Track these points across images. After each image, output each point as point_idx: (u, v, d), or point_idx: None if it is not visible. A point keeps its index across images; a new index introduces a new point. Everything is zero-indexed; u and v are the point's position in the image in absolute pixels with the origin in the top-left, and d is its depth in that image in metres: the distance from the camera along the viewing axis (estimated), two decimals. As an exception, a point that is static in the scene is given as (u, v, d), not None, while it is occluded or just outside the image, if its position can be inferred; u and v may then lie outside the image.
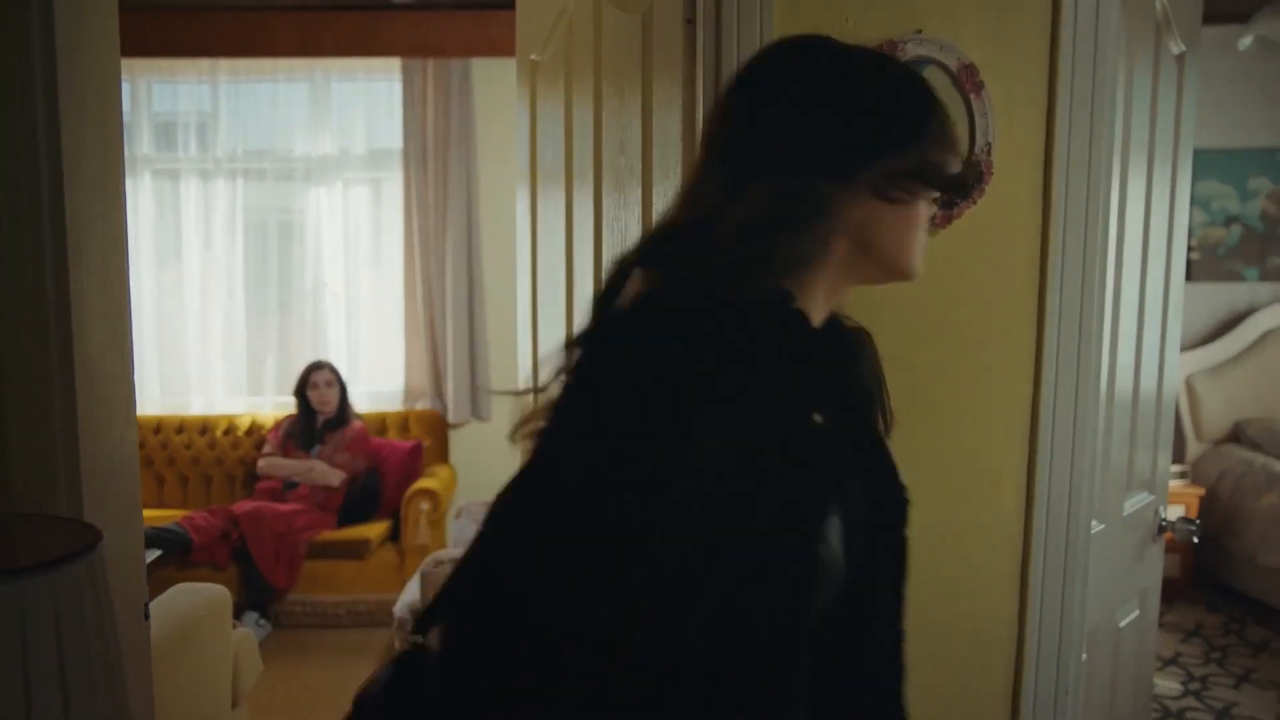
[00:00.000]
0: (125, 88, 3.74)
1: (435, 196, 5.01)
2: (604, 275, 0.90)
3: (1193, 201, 4.73)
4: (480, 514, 4.03)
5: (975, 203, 1.45)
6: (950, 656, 1.53)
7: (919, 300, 1.44)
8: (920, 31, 1.41)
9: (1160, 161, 1.90)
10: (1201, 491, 4.51)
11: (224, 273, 5.12)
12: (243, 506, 4.40)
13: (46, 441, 1.39)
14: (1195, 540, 2.05)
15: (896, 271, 0.96)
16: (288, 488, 4.58)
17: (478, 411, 5.13)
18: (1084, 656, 1.60)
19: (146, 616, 1.58)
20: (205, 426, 4.99)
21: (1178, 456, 4.83)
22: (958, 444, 1.49)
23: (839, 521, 0.87)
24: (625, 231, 1.69)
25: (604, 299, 0.89)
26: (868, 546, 0.90)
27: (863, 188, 0.90)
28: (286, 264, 5.18)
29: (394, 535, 4.67)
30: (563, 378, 0.86)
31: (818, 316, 0.94)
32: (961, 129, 1.44)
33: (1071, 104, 1.44)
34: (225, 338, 5.15)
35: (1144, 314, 1.90)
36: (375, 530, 4.56)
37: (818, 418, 0.86)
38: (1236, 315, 5.01)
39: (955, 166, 0.96)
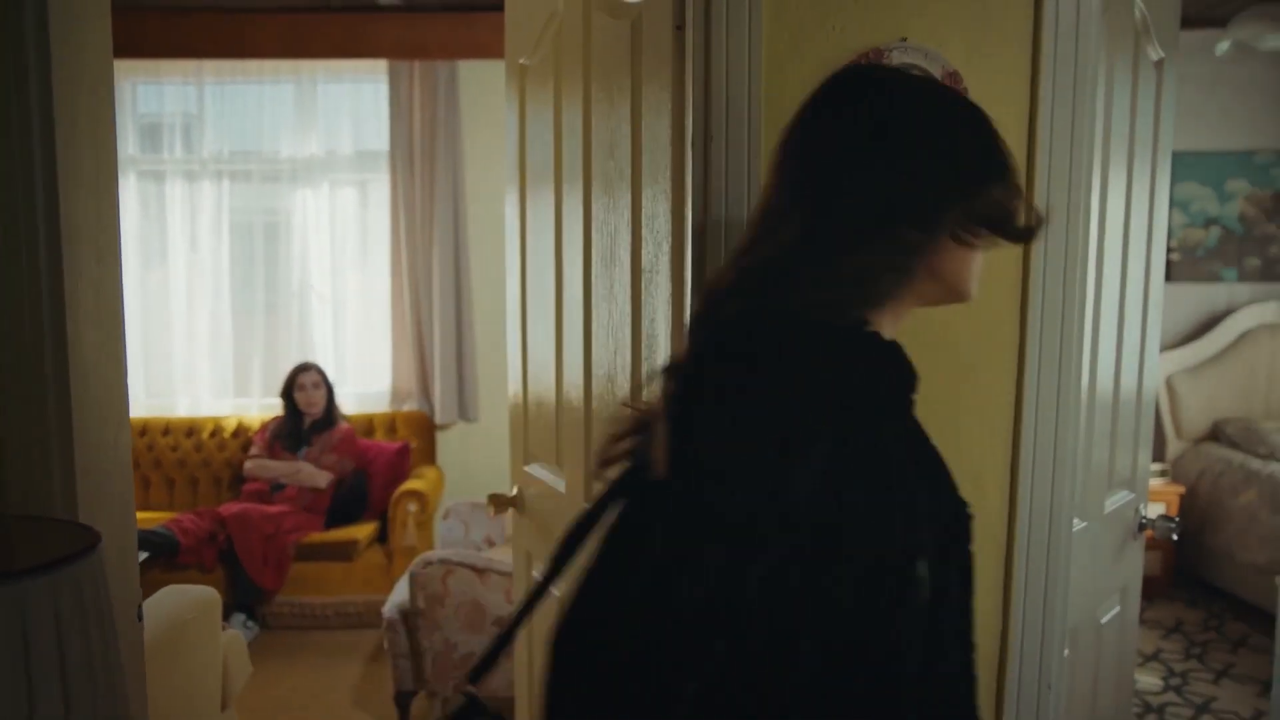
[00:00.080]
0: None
1: (422, 198, 5.01)
2: (697, 302, 0.97)
3: (1172, 203, 4.79)
4: (468, 515, 4.03)
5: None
6: (936, 652, 1.55)
7: (904, 302, 1.47)
8: (905, 39, 1.44)
9: (1140, 165, 1.93)
10: (1181, 489, 4.57)
11: (210, 274, 5.11)
12: (230, 508, 4.40)
13: (42, 444, 1.40)
14: (1174, 537, 2.08)
15: (957, 295, 1.03)
16: (275, 489, 4.57)
17: (465, 413, 5.14)
18: (1066, 652, 1.63)
19: (140, 618, 1.58)
20: (191, 428, 4.98)
21: (1158, 455, 4.90)
22: (941, 443, 1.51)
23: (929, 543, 0.93)
24: (614, 234, 1.71)
25: (700, 325, 0.97)
26: (941, 566, 0.94)
27: (943, 233, 0.96)
28: (273, 265, 5.18)
29: (381, 537, 4.68)
30: (660, 402, 0.93)
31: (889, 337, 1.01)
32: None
33: (1053, 109, 1.47)
34: (211, 339, 5.14)
35: (1124, 314, 1.93)
36: (363, 532, 4.56)
37: (903, 441, 0.94)
38: (1215, 315, 5.08)
39: (1019, 202, 1.01)
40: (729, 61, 1.42)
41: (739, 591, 0.84)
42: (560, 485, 1.99)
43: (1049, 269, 1.48)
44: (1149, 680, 3.70)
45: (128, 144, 5.00)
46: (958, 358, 1.50)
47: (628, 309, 1.66)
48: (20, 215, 1.40)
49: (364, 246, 5.19)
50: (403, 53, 4.89)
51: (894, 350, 0.96)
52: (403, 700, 3.32)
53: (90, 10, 1.53)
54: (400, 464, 4.77)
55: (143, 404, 5.08)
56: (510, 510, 2.25)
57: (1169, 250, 4.99)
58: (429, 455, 5.09)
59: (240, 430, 4.96)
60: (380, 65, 4.98)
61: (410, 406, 5.14)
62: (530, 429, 2.19)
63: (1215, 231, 5.05)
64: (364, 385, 5.23)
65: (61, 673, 0.99)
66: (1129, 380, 1.98)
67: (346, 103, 5.14)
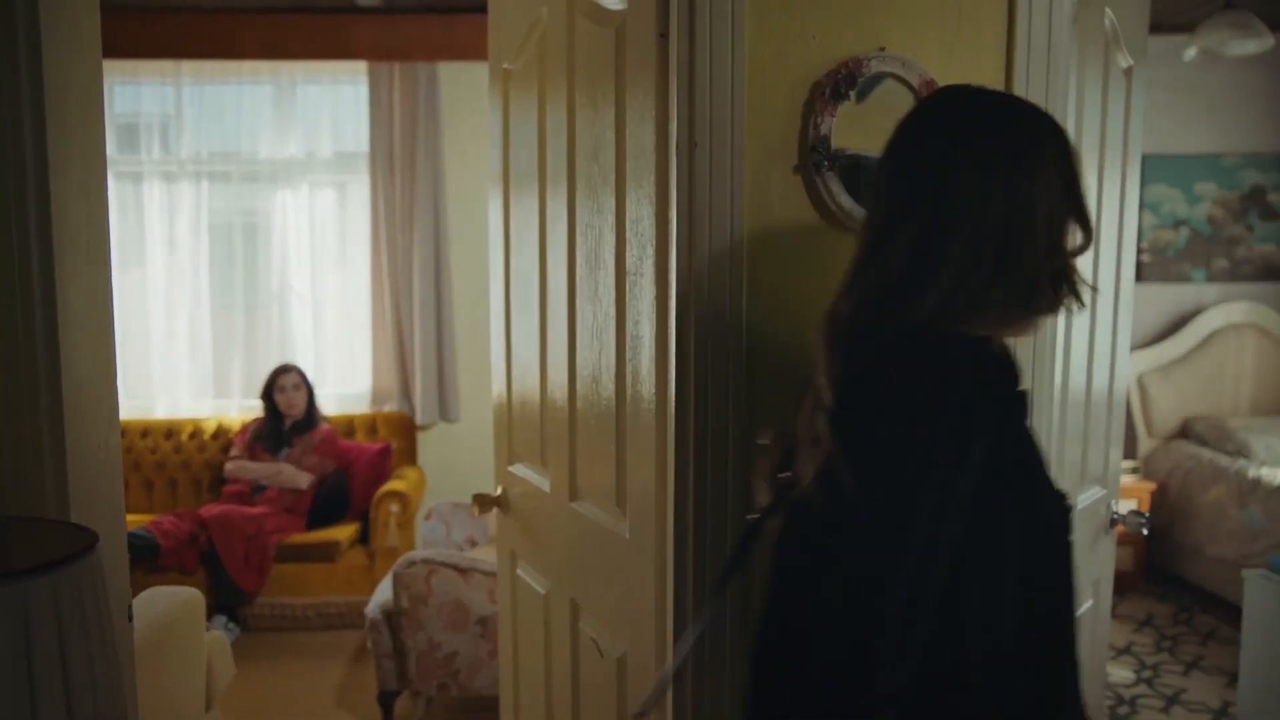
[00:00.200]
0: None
1: (402, 199, 5.02)
2: (844, 323, 1.08)
3: (1142, 205, 4.87)
4: (450, 515, 4.04)
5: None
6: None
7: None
8: (883, 49, 1.48)
9: (1110, 168, 1.98)
10: (1152, 486, 4.66)
11: (189, 276, 5.09)
12: (211, 510, 4.39)
13: (34, 445, 1.41)
14: (1145, 533, 2.14)
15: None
16: (256, 491, 4.57)
17: (446, 413, 5.14)
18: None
19: (130, 618, 1.60)
20: (170, 430, 4.96)
21: (1129, 452, 4.98)
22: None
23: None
24: (599, 238, 1.73)
25: (844, 341, 1.07)
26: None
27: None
28: (252, 267, 5.16)
29: (363, 537, 4.68)
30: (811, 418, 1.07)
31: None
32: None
33: (1026, 117, 1.51)
34: (190, 341, 5.12)
35: (1096, 314, 1.98)
36: (344, 533, 4.56)
37: (1031, 438, 1.05)
38: (1185, 315, 5.17)
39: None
40: (712, 69, 1.45)
41: (934, 583, 0.95)
42: (545, 485, 2.01)
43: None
44: (1121, 673, 3.78)
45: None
46: (935, 358, 1.54)
47: (612, 311, 1.69)
48: (12, 216, 1.41)
49: (344, 248, 5.19)
50: (382, 54, 4.89)
51: (1011, 358, 1.07)
52: (386, 700, 3.33)
53: (81, 10, 1.54)
54: (381, 465, 4.78)
55: (121, 405, 5.03)
56: (494, 510, 2.27)
57: (1139, 251, 5.08)
58: (410, 456, 5.10)
59: (220, 432, 4.94)
60: (360, 66, 4.98)
61: (391, 407, 5.15)
62: (515, 429, 2.22)
63: (1184, 233, 5.14)
64: (344, 386, 5.22)
65: (63, 672, 1.01)
66: (1101, 379, 2.03)
67: (326, 104, 5.14)
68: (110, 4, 1.61)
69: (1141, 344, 5.08)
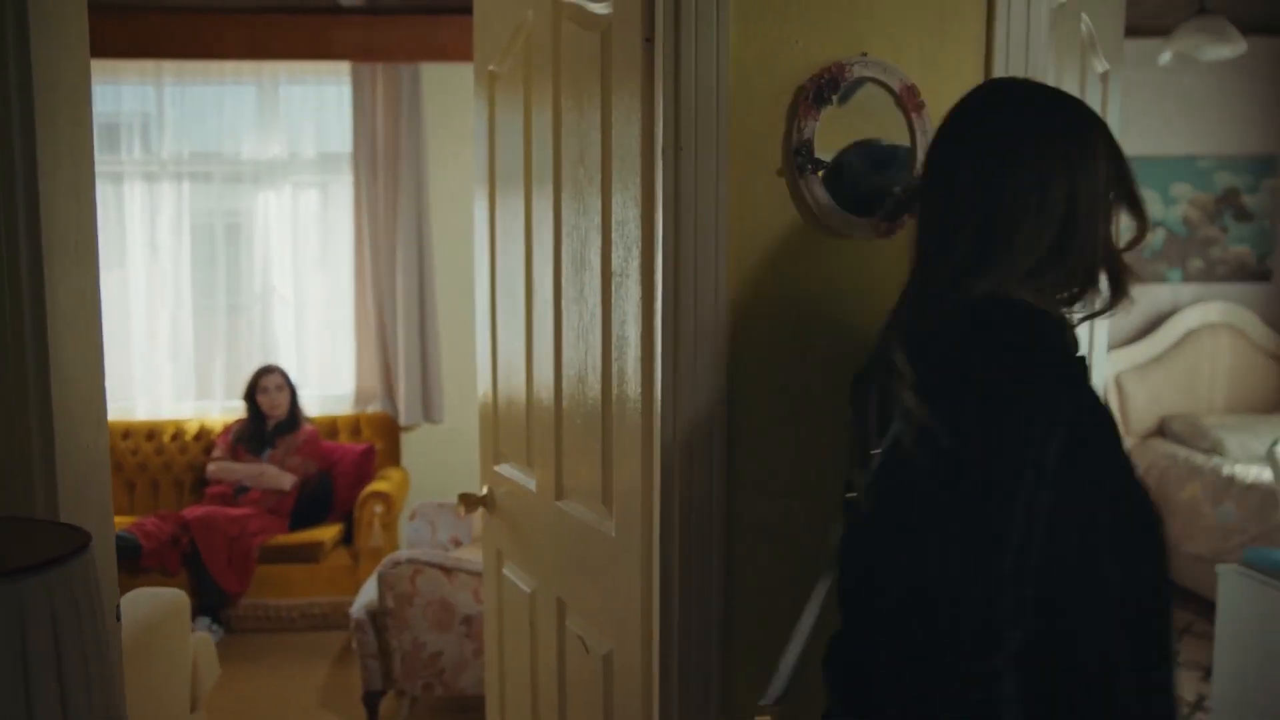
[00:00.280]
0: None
1: (385, 200, 5.01)
2: (914, 297, 1.16)
3: (1120, 207, 4.92)
4: (434, 516, 4.05)
5: (917, 215, 1.55)
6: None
7: (862, 307, 1.53)
8: (865, 54, 1.51)
9: (1086, 173, 2.02)
10: (1130, 484, 4.71)
11: (170, 276, 5.07)
12: (193, 511, 4.37)
13: (23, 445, 1.42)
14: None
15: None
16: (239, 492, 4.56)
17: (429, 414, 5.14)
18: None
19: (118, 618, 1.60)
20: (152, 431, 4.94)
21: (1107, 451, 5.03)
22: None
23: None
24: (585, 239, 1.75)
25: (922, 315, 1.14)
26: None
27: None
28: (234, 267, 5.15)
29: (347, 538, 4.68)
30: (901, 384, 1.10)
31: None
32: (906, 146, 1.54)
33: (1004, 121, 1.54)
34: (172, 342, 5.10)
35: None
36: (328, 533, 4.56)
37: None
38: (1161, 315, 5.24)
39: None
40: (697, 73, 1.47)
41: (1039, 544, 1.01)
42: (531, 484, 2.03)
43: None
44: (1099, 668, 3.82)
45: (85, 145, 4.93)
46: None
47: (598, 311, 1.71)
48: (1, 217, 1.41)
49: (327, 248, 5.18)
50: (365, 55, 4.89)
51: (1070, 324, 1.17)
52: (371, 700, 3.34)
53: (68, 8, 1.54)
54: (365, 466, 4.78)
55: (101, 407, 5.02)
56: (480, 510, 2.29)
57: (1117, 252, 5.13)
58: (394, 457, 5.10)
59: (202, 433, 4.93)
60: (343, 67, 4.97)
61: (374, 408, 5.14)
62: (500, 429, 2.23)
63: (1160, 234, 5.21)
64: (327, 387, 5.22)
65: (58, 671, 1.02)
66: (1077, 378, 2.06)
67: (309, 104, 5.13)
68: (91, 3, 1.61)
69: (1118, 343, 5.14)
